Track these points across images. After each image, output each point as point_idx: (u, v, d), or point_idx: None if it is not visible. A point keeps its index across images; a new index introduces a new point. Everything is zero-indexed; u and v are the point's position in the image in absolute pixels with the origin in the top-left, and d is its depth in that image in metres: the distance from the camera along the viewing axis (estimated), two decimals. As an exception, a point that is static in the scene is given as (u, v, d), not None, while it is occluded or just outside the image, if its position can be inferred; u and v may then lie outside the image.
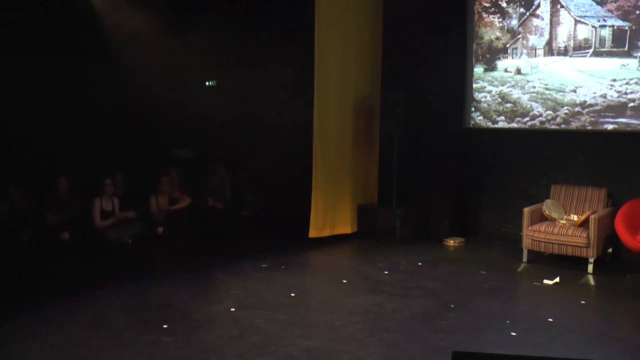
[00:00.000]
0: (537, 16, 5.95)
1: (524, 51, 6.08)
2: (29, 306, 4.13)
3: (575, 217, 5.43)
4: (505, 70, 6.23)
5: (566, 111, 5.76)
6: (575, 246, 5.17)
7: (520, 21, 6.10)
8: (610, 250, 5.49)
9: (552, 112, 5.88)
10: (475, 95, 6.45)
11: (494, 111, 6.30)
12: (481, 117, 6.42)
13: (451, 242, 6.25)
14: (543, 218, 5.56)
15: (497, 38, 6.28)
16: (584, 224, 5.24)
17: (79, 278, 4.94)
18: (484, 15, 6.36)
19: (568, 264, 5.29)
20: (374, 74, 6.56)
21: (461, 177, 6.58)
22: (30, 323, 3.82)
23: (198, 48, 7.28)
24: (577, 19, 5.64)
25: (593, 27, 5.54)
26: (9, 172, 5.93)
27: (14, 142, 6.08)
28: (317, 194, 6.12)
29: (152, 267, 5.31)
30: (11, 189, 5.88)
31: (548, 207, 5.57)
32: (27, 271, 5.18)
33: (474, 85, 6.45)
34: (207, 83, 8.33)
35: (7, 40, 6.02)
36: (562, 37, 5.77)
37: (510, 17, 6.16)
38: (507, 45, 6.21)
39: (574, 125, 5.76)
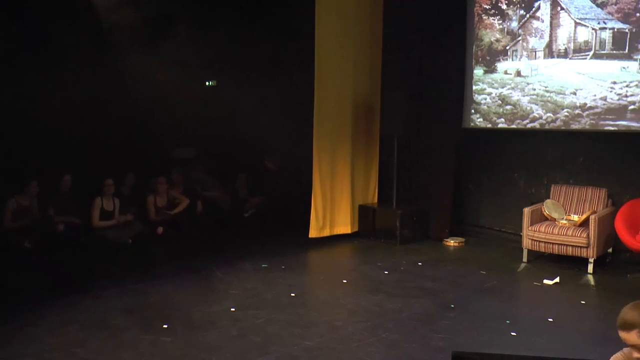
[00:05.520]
0: (537, 18, 5.96)
1: (524, 53, 6.09)
2: (29, 306, 4.12)
3: (575, 217, 5.44)
4: (505, 73, 6.24)
5: (566, 114, 5.77)
6: (575, 246, 5.18)
7: (520, 23, 6.11)
8: (610, 250, 5.50)
9: (552, 115, 5.88)
10: (475, 97, 6.46)
11: (494, 113, 6.31)
12: (481, 119, 6.43)
13: (451, 242, 6.26)
14: (543, 218, 5.57)
15: (497, 40, 6.29)
16: (584, 224, 5.24)
17: (79, 278, 4.93)
18: (484, 17, 6.37)
19: (568, 264, 5.29)
20: (374, 75, 6.57)
21: (461, 177, 6.59)
22: (29, 323, 3.82)
23: (199, 49, 7.29)
24: (577, 21, 5.65)
25: (593, 29, 5.55)
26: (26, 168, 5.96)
27: (17, 142, 6.09)
28: (317, 194, 6.13)
29: (152, 267, 5.30)
30: (32, 184, 5.89)
31: (548, 207, 5.58)
32: (27, 271, 5.17)
33: (474, 87, 6.46)
34: (207, 83, 8.34)
35: (9, 43, 6.04)
36: (562, 40, 5.78)
37: (510, 19, 6.17)
38: (507, 47, 6.22)
39: (574, 127, 5.76)
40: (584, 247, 5.13)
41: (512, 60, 6.18)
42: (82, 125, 6.50)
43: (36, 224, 5.86)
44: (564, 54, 5.78)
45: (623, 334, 2.09)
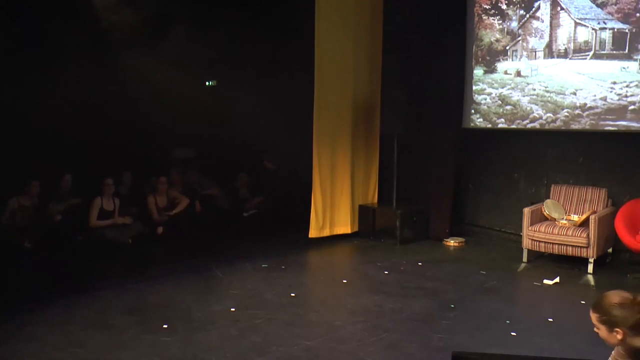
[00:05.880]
0: (537, 18, 5.96)
1: (524, 53, 6.09)
2: (29, 306, 4.12)
3: (575, 217, 5.44)
4: (505, 73, 6.23)
5: (566, 114, 5.77)
6: (575, 246, 5.18)
7: (520, 23, 6.10)
8: (610, 250, 5.50)
9: (552, 115, 5.88)
10: (475, 98, 6.46)
11: (494, 113, 6.31)
12: (481, 120, 6.42)
13: (451, 242, 6.26)
14: (543, 218, 5.57)
15: (497, 40, 6.29)
16: (584, 224, 5.24)
17: (79, 278, 4.93)
18: (484, 17, 6.37)
19: (568, 264, 5.30)
20: (374, 74, 6.57)
21: (461, 177, 6.59)
22: (29, 323, 3.82)
23: (198, 49, 7.29)
24: (577, 21, 5.65)
25: (593, 29, 5.55)
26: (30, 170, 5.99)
27: (17, 142, 6.10)
28: (317, 194, 6.13)
29: (152, 267, 5.30)
30: (33, 184, 5.91)
31: (548, 207, 5.58)
32: (27, 270, 5.17)
33: (474, 88, 6.46)
34: (207, 83, 8.34)
35: (9, 43, 6.06)
36: (562, 40, 5.77)
37: (510, 19, 6.17)
38: (507, 48, 6.22)
39: (574, 127, 5.76)
40: (584, 247, 5.13)
41: (512, 60, 6.17)
42: (81, 125, 6.50)
43: (37, 223, 5.86)
44: (564, 54, 5.78)
45: (591, 311, 2.17)
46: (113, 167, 6.58)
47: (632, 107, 5.36)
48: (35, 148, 6.16)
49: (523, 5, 6.06)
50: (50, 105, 6.28)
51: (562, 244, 5.25)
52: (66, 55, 6.44)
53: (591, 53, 5.58)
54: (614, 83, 5.44)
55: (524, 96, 6.08)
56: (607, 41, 5.45)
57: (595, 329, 2.16)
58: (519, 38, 6.12)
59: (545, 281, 4.86)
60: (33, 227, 5.82)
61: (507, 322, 3.94)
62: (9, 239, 5.65)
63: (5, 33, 6.00)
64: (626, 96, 5.38)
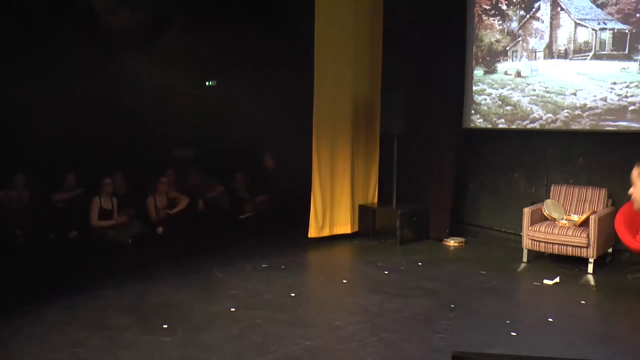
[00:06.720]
0: (537, 19, 5.96)
1: (524, 54, 6.09)
2: (29, 306, 4.12)
3: (575, 217, 5.44)
4: (505, 73, 6.23)
5: (566, 114, 5.77)
6: (575, 246, 5.18)
7: (521, 24, 6.11)
8: (610, 250, 5.50)
9: (552, 115, 5.88)
10: (475, 98, 6.46)
11: (494, 114, 6.31)
12: (481, 120, 6.43)
13: (451, 242, 6.26)
14: (543, 218, 5.57)
15: (497, 40, 6.29)
16: (584, 224, 5.25)
17: (79, 278, 4.93)
18: (484, 18, 6.37)
19: (568, 264, 5.30)
20: (374, 74, 6.58)
21: (461, 177, 6.60)
22: (30, 323, 3.82)
23: (198, 50, 7.30)
24: (578, 21, 5.65)
25: (593, 30, 5.55)
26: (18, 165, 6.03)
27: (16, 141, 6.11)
28: (316, 194, 6.13)
29: (152, 267, 5.30)
30: (17, 177, 5.97)
31: (548, 207, 5.58)
32: (27, 271, 5.18)
33: (474, 88, 6.46)
34: (207, 83, 8.35)
35: (8, 43, 6.06)
36: (562, 40, 5.77)
37: (511, 20, 6.17)
38: (507, 48, 6.22)
39: (574, 128, 5.76)
40: (584, 247, 5.13)
41: (512, 60, 6.17)
42: (80, 124, 6.51)
43: (33, 214, 5.89)
44: (564, 55, 5.78)
45: (635, 167, 2.30)
46: (111, 167, 6.59)
47: (632, 107, 5.36)
48: (35, 148, 6.17)
49: (523, 5, 6.06)
50: (49, 105, 6.29)
51: (562, 244, 5.25)
52: (64, 55, 6.45)
53: (591, 53, 5.58)
54: (614, 83, 5.44)
55: (524, 97, 6.08)
56: (607, 42, 5.45)
57: (630, 190, 2.27)
58: (519, 38, 6.12)
59: (545, 281, 4.86)
60: (30, 222, 5.84)
61: (507, 322, 3.94)
62: (4, 233, 5.67)
63: (4, 33, 6.00)
64: (626, 96, 5.38)
